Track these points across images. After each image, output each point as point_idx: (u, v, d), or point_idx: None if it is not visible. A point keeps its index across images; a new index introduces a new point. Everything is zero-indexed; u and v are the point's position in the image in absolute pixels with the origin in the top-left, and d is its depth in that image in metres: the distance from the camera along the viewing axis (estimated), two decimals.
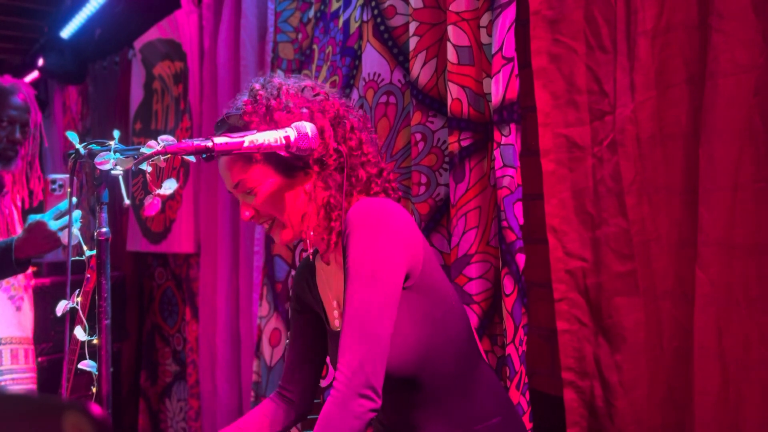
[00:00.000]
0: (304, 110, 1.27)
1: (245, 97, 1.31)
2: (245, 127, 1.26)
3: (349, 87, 2.17)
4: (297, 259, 2.41)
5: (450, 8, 1.74)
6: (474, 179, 1.74)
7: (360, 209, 1.25)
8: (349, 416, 1.13)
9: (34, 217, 1.82)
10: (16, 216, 2.25)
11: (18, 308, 2.18)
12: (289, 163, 1.27)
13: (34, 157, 2.22)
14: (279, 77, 1.35)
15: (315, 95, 1.32)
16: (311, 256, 1.46)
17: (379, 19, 2.00)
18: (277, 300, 2.46)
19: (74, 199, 1.61)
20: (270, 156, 1.27)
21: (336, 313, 1.38)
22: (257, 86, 1.32)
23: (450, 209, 1.78)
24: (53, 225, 1.74)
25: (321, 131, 1.27)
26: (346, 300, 1.20)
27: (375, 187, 1.34)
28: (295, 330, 1.51)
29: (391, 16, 1.99)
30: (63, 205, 1.76)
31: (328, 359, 1.53)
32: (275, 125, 1.25)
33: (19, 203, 2.28)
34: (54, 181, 1.46)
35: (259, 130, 1.24)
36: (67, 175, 1.63)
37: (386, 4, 1.99)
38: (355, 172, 1.31)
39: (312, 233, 1.33)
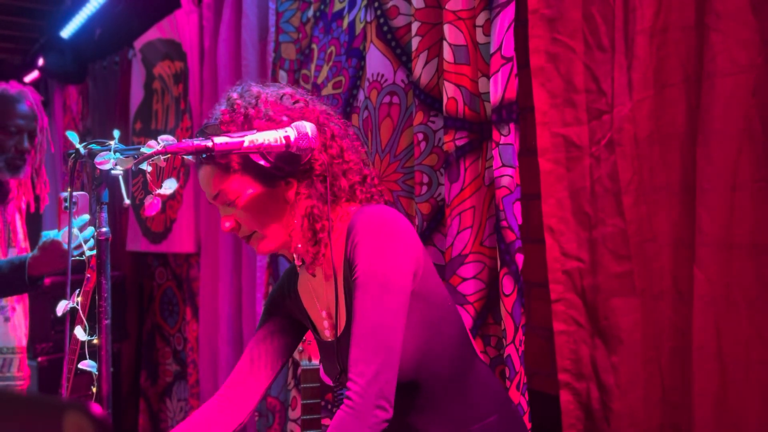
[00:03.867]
0: (284, 118, 1.24)
1: (223, 107, 1.28)
2: None
3: (355, 88, 2.17)
4: None
5: (446, 7, 1.74)
6: (469, 179, 1.74)
7: (367, 219, 1.23)
8: (364, 427, 1.13)
9: (47, 235, 1.81)
10: (19, 223, 2.23)
11: (7, 319, 2.15)
12: (269, 173, 1.24)
13: (41, 162, 2.21)
14: (257, 85, 1.32)
15: (294, 102, 1.29)
16: (297, 266, 1.44)
17: (382, 20, 2.01)
18: None
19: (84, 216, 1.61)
20: (249, 165, 1.24)
21: (326, 323, 1.35)
22: (234, 95, 1.29)
23: (445, 209, 1.79)
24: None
25: None
26: (357, 309, 1.19)
27: (360, 195, 1.32)
28: (260, 332, 1.47)
29: (393, 16, 1.99)
30: (77, 223, 1.74)
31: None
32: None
33: (24, 207, 2.27)
34: (66, 199, 1.46)
35: None
36: (81, 193, 1.63)
37: (389, 5, 1.99)
38: (337, 181, 1.29)
39: (298, 245, 1.30)
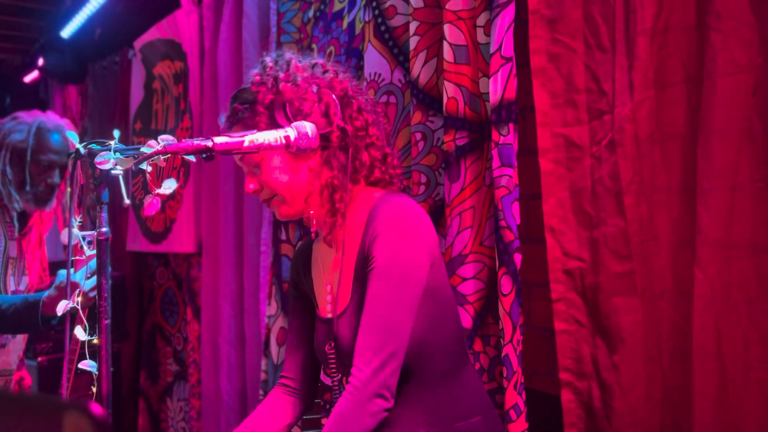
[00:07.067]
0: (313, 86, 1.29)
1: (256, 69, 1.34)
2: (254, 99, 1.29)
3: None
4: None
5: (447, 7, 1.74)
6: (469, 179, 1.74)
7: (389, 211, 1.25)
8: (366, 415, 1.16)
9: (63, 274, 1.79)
10: (38, 252, 2.22)
11: (2, 345, 2.13)
12: None
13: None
14: (291, 53, 1.37)
15: (324, 72, 1.34)
16: (313, 237, 1.47)
17: (380, 19, 2.01)
18: (284, 299, 2.47)
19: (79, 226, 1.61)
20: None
21: (329, 298, 1.38)
22: (268, 60, 1.35)
23: (445, 209, 1.79)
24: (86, 285, 1.66)
25: (326, 107, 1.29)
26: (371, 299, 1.21)
27: (378, 173, 1.35)
28: (294, 316, 1.51)
29: (391, 16, 1.99)
30: (94, 263, 1.72)
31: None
32: (281, 96, 1.27)
33: (44, 236, 2.26)
34: (83, 238, 1.46)
35: (266, 101, 1.28)
36: (94, 232, 1.63)
37: (387, 4, 1.99)
38: (359, 154, 1.32)
39: (314, 212, 1.35)
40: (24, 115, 2.14)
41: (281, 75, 1.30)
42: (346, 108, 1.31)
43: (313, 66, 1.35)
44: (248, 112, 1.30)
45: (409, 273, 1.22)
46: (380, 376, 1.17)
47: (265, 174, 1.31)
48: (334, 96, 1.29)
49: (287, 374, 1.50)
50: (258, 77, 1.32)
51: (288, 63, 1.33)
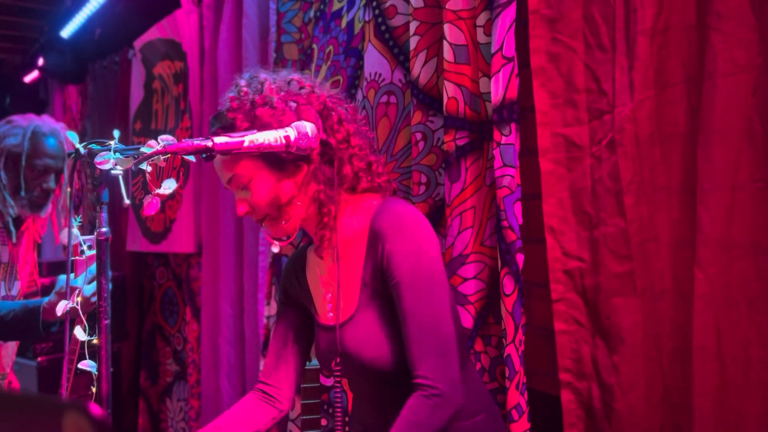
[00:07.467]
0: (291, 103, 1.28)
1: (231, 93, 1.32)
2: (232, 125, 1.27)
3: (354, 87, 2.17)
4: None
5: (447, 6, 1.74)
6: (470, 179, 1.74)
7: (395, 220, 1.26)
8: (444, 416, 1.19)
9: (64, 279, 1.78)
10: (30, 255, 2.20)
11: None
12: (278, 156, 1.27)
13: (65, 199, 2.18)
14: (265, 72, 1.36)
15: (300, 88, 1.33)
16: (307, 249, 1.47)
17: (380, 19, 2.01)
18: None
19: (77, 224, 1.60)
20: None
21: (330, 307, 1.38)
22: (242, 82, 1.33)
23: (445, 209, 1.79)
24: (86, 290, 1.64)
25: None
26: (409, 309, 1.23)
27: (364, 183, 1.35)
28: (280, 324, 1.51)
29: (392, 15, 1.99)
30: (94, 268, 1.71)
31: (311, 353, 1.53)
32: (259, 121, 1.26)
33: (39, 240, 2.24)
34: (83, 242, 1.46)
35: (242, 127, 1.26)
36: (94, 234, 1.62)
37: (387, 4, 1.99)
38: (342, 167, 1.32)
39: (306, 227, 1.35)
40: (19, 119, 2.11)
41: (257, 99, 1.28)
42: (326, 120, 1.31)
43: (289, 83, 1.33)
44: None
45: (434, 276, 1.24)
46: (448, 377, 1.20)
47: (254, 195, 1.30)
48: (314, 111, 1.28)
49: (265, 380, 1.48)
50: (234, 103, 1.29)
51: (262, 84, 1.31)
